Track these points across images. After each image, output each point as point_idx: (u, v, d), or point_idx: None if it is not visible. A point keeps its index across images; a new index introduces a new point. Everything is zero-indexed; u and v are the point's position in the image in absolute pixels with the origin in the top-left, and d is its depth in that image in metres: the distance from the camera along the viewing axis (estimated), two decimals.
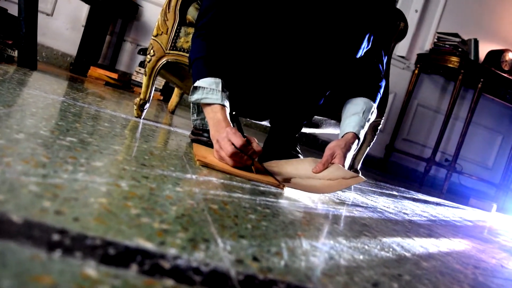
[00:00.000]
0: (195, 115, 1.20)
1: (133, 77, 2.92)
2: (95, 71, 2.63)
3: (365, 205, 1.09)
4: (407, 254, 0.65)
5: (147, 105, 1.35)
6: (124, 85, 2.75)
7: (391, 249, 0.65)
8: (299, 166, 1.05)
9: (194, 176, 0.71)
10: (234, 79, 1.14)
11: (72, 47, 2.96)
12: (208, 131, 1.13)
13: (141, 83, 3.09)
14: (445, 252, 0.79)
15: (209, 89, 0.98)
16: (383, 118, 1.53)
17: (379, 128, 1.53)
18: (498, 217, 2.44)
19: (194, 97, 1.00)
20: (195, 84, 0.99)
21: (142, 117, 1.35)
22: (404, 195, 1.89)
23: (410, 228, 0.95)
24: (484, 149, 3.83)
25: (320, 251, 0.51)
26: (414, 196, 1.97)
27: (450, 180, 3.26)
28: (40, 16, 2.96)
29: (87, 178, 0.49)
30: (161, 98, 2.88)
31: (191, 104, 1.21)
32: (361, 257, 0.54)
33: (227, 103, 1.00)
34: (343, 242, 0.59)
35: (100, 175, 0.52)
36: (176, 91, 1.95)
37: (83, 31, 2.79)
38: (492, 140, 3.83)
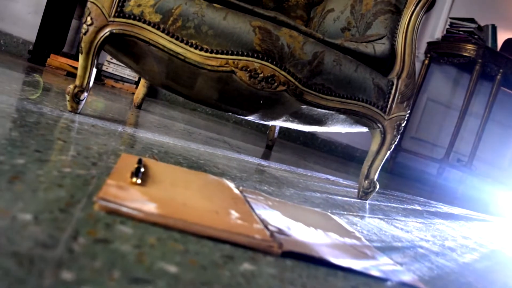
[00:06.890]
0: None
1: (104, 68, 2.53)
2: (56, 60, 2.23)
3: (398, 241, 0.72)
4: None
5: (85, 94, 0.96)
6: None
7: None
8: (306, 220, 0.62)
9: (82, 232, 0.33)
10: None
11: (34, 34, 2.55)
12: None
13: (114, 74, 2.68)
14: None
15: None
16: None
17: (402, 125, 1.16)
18: None
19: None
20: None
21: (78, 111, 0.97)
22: (427, 209, 1.52)
23: None
24: (499, 148, 3.47)
25: None
26: (438, 209, 1.60)
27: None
28: None
29: None
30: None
31: None
32: None
33: None
34: None
35: None
36: (142, 81, 1.57)
37: (43, 14, 2.39)
38: (507, 138, 3.48)
